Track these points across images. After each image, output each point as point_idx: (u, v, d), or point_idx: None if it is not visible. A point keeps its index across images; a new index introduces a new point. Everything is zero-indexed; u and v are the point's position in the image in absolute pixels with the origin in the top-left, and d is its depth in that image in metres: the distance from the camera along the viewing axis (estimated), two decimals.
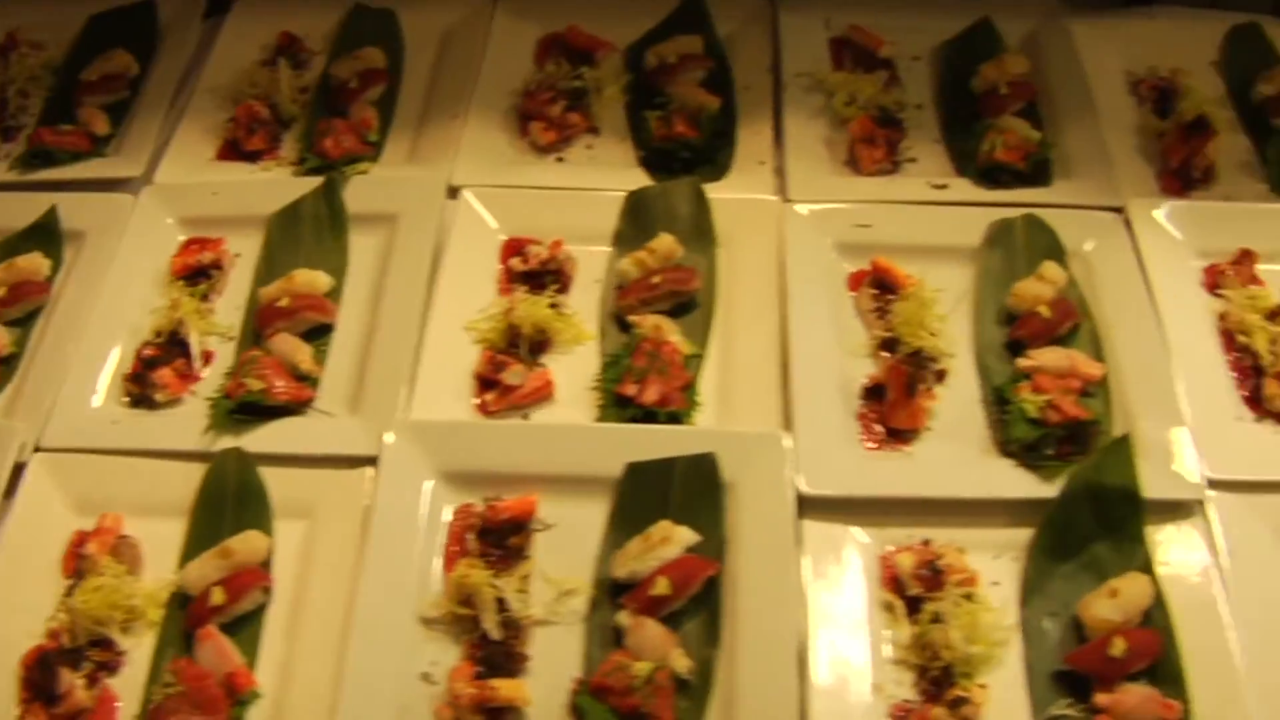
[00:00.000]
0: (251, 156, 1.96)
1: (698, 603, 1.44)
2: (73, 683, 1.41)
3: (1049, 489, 1.52)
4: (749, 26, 2.10)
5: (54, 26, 2.17)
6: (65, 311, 1.75)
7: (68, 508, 1.56)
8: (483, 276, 1.77)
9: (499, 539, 1.50)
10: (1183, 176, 1.86)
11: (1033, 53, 2.04)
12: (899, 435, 1.59)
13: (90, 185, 1.90)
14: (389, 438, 1.55)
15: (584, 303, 1.75)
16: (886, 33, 2.07)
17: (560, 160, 1.94)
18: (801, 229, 1.77)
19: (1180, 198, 1.85)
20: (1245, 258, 1.76)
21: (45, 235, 1.83)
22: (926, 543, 1.50)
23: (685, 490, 1.51)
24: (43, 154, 1.93)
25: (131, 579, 1.50)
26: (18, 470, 1.56)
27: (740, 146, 1.91)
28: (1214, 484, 1.52)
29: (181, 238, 1.86)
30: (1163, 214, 1.79)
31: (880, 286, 1.73)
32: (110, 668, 1.45)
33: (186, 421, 1.62)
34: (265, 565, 1.51)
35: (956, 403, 1.63)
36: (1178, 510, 1.51)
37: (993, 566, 1.49)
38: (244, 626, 1.46)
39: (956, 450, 1.58)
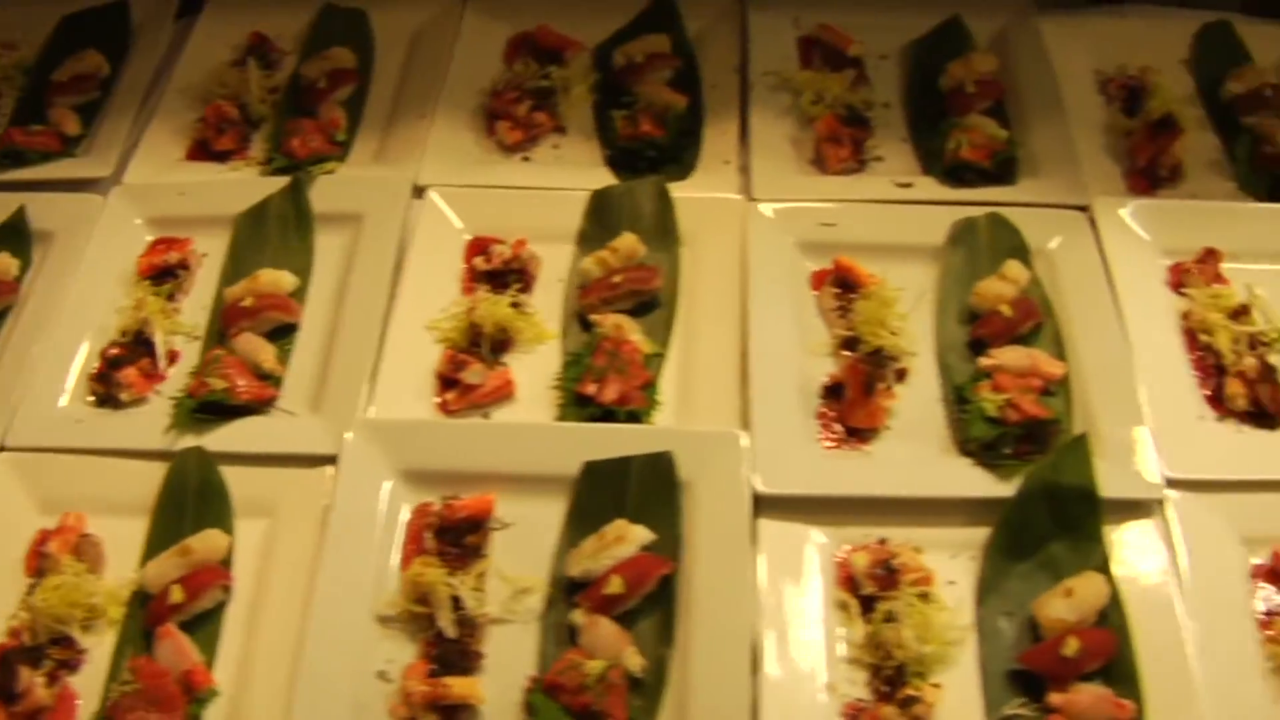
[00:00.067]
0: (221, 157, 1.96)
1: (653, 601, 1.44)
2: (33, 681, 1.41)
3: (1006, 488, 1.52)
4: (718, 25, 2.10)
5: (26, 26, 2.18)
6: (33, 311, 1.76)
7: (31, 507, 1.57)
8: (446, 276, 1.77)
9: (456, 537, 1.51)
10: (1150, 175, 1.86)
11: (1002, 51, 2.03)
12: (858, 434, 1.59)
13: (60, 185, 1.91)
14: (348, 437, 1.55)
15: (547, 302, 1.75)
16: (856, 31, 2.07)
17: (526, 160, 1.94)
18: (764, 228, 1.77)
19: (1147, 196, 1.84)
20: (1209, 256, 1.75)
21: (14, 235, 1.84)
22: (883, 542, 1.50)
23: (642, 489, 1.51)
24: (13, 154, 1.94)
25: (93, 577, 1.51)
26: None
27: (706, 145, 1.91)
28: (1173, 483, 1.52)
29: (149, 238, 1.86)
30: (1128, 212, 1.79)
31: (842, 285, 1.73)
32: (71, 666, 1.45)
33: (150, 421, 1.63)
34: (225, 564, 1.51)
35: (917, 402, 1.63)
36: (1137, 510, 1.51)
37: (949, 566, 1.49)
38: (204, 625, 1.47)
39: (915, 449, 1.58)
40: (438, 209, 1.82)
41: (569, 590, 1.46)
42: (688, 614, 1.43)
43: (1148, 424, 1.56)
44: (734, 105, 1.96)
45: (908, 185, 1.85)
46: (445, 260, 1.79)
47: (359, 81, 2.04)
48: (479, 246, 1.80)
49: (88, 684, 1.43)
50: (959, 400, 1.60)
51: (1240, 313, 1.68)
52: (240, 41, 2.14)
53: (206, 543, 1.51)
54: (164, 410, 1.64)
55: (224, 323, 1.72)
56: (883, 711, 1.35)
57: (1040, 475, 1.51)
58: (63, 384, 1.68)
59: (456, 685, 1.38)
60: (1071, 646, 1.37)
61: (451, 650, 1.42)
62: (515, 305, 1.71)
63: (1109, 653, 1.39)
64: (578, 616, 1.43)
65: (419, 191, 1.85)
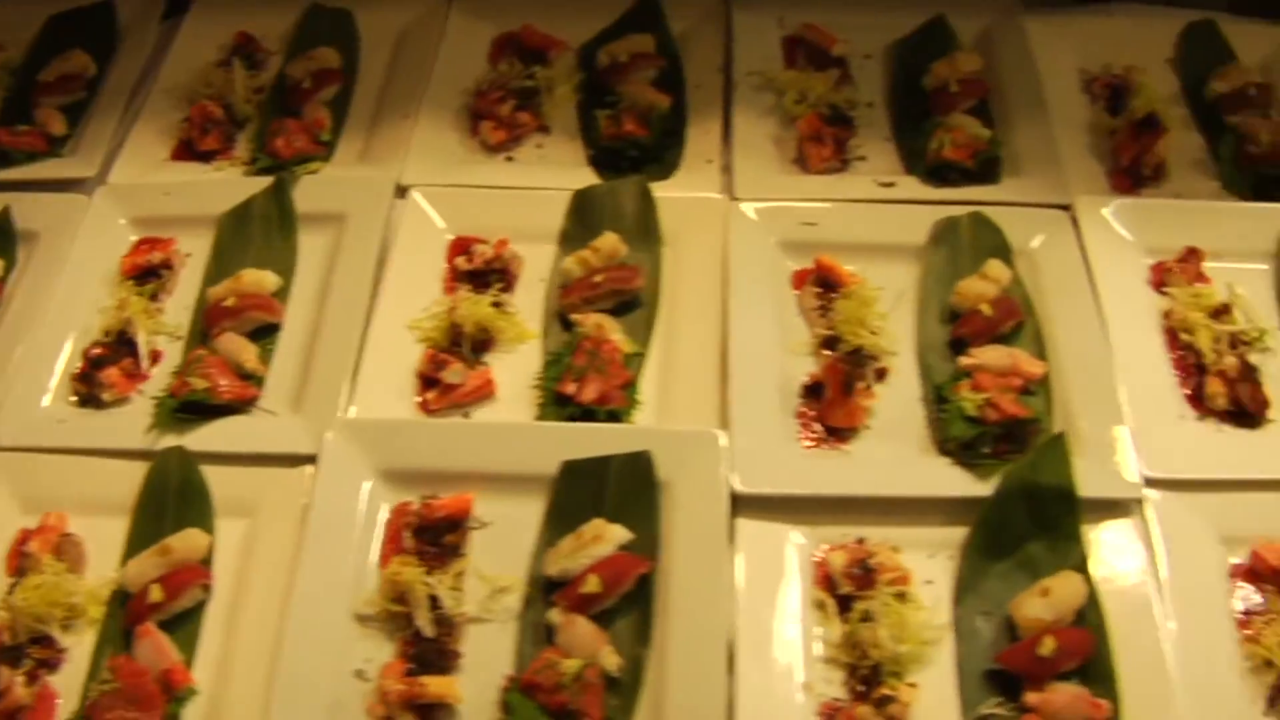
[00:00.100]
0: (205, 157, 1.97)
1: (630, 601, 1.45)
2: (12, 680, 1.42)
3: (985, 488, 1.52)
4: (703, 25, 2.10)
5: (12, 27, 2.18)
6: (17, 311, 1.76)
7: (14, 506, 1.58)
8: (429, 275, 1.77)
9: (435, 537, 1.51)
10: (1133, 174, 1.86)
11: (986, 50, 2.03)
12: (837, 434, 1.59)
13: (46, 186, 1.91)
14: (328, 436, 1.56)
15: (529, 301, 1.76)
16: (841, 31, 2.07)
17: (510, 159, 1.94)
18: (746, 227, 1.77)
19: (1130, 196, 1.84)
20: (1191, 255, 1.75)
21: None
22: (861, 541, 1.50)
23: (620, 488, 1.51)
24: None
25: (73, 577, 1.51)
26: None
27: (689, 145, 1.92)
28: (1152, 483, 1.52)
29: (134, 238, 1.87)
30: (1110, 211, 1.79)
31: (823, 285, 1.72)
32: (50, 665, 1.46)
33: (133, 420, 1.63)
34: (205, 563, 1.52)
35: (897, 401, 1.63)
36: (1116, 509, 1.51)
37: (927, 565, 1.49)
38: (183, 624, 1.47)
39: (894, 449, 1.58)
40: (420, 209, 1.82)
41: (547, 589, 1.46)
42: (665, 613, 1.43)
43: (1127, 423, 1.56)
44: (718, 105, 1.96)
45: (890, 185, 1.84)
46: (427, 260, 1.79)
47: (344, 81, 2.04)
48: (461, 246, 1.80)
49: (67, 683, 1.44)
50: (939, 400, 1.60)
51: (1221, 312, 1.68)
52: (226, 42, 2.15)
53: (186, 542, 1.51)
54: (146, 410, 1.64)
55: (207, 322, 1.72)
56: (858, 711, 1.35)
57: (1018, 475, 1.51)
58: (46, 384, 1.68)
59: (433, 684, 1.38)
60: (1048, 646, 1.37)
61: (429, 649, 1.43)
62: (496, 305, 1.71)
63: (1086, 652, 1.39)
64: (555, 615, 1.43)
65: (402, 191, 1.85)
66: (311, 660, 1.41)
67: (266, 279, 1.75)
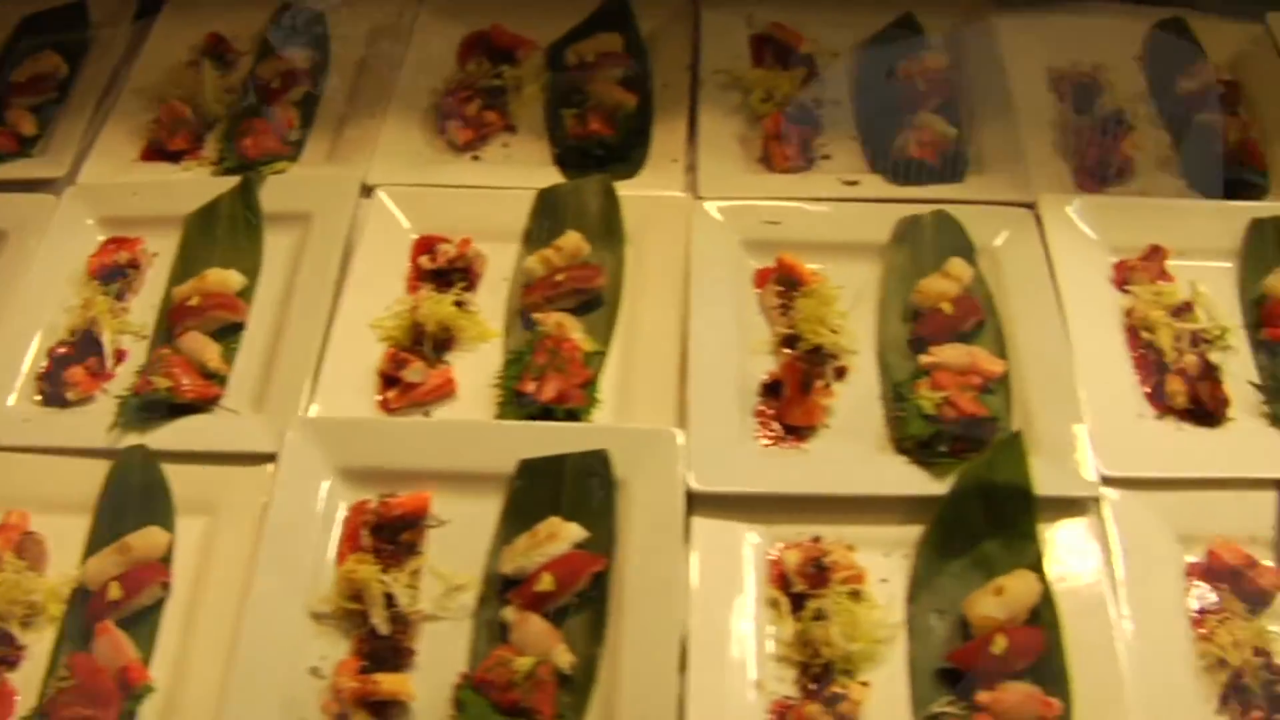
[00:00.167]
0: (174, 157, 1.98)
1: (585, 599, 1.45)
2: None
3: (941, 486, 1.51)
4: (672, 24, 2.10)
5: None
6: None
7: None
8: (393, 274, 1.78)
9: (392, 535, 1.51)
10: (1099, 172, 1.86)
11: (955, 48, 2.02)
12: (795, 432, 1.59)
13: (15, 186, 1.92)
14: (287, 435, 1.56)
15: (492, 300, 1.76)
16: (811, 29, 2.07)
17: (476, 159, 1.95)
18: (709, 226, 1.77)
19: (1096, 194, 1.84)
20: (1154, 253, 1.75)
21: None
22: (817, 539, 1.50)
23: (576, 487, 1.52)
24: None
25: (34, 575, 1.52)
26: None
27: (655, 144, 1.92)
28: (1110, 481, 1.51)
29: (101, 237, 1.87)
30: (1074, 210, 1.79)
31: (785, 283, 1.72)
32: (9, 662, 1.46)
33: (96, 420, 1.64)
34: (165, 561, 1.52)
35: (856, 400, 1.63)
36: (1073, 508, 1.51)
37: (883, 564, 1.49)
38: (142, 621, 1.48)
39: (852, 447, 1.58)
40: (385, 208, 1.83)
41: (502, 587, 1.46)
42: (619, 611, 1.43)
43: (1086, 422, 1.55)
44: (684, 104, 1.97)
45: (854, 183, 1.84)
46: (392, 259, 1.79)
47: (313, 82, 2.05)
48: (426, 245, 1.80)
49: (27, 680, 1.44)
50: (898, 398, 1.60)
51: (1183, 310, 1.68)
52: (198, 42, 2.15)
53: (145, 540, 1.52)
54: (110, 409, 1.65)
55: (171, 322, 1.73)
56: (808, 709, 1.35)
57: (974, 473, 1.51)
58: (11, 383, 1.69)
59: (386, 681, 1.38)
60: (999, 645, 1.37)
61: (384, 647, 1.43)
62: (459, 304, 1.71)
63: (1038, 651, 1.39)
64: (509, 613, 1.43)
65: (368, 190, 1.85)
66: (267, 657, 1.42)
67: (231, 278, 1.76)
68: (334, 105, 2.04)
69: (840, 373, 1.65)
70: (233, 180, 1.88)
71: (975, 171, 1.86)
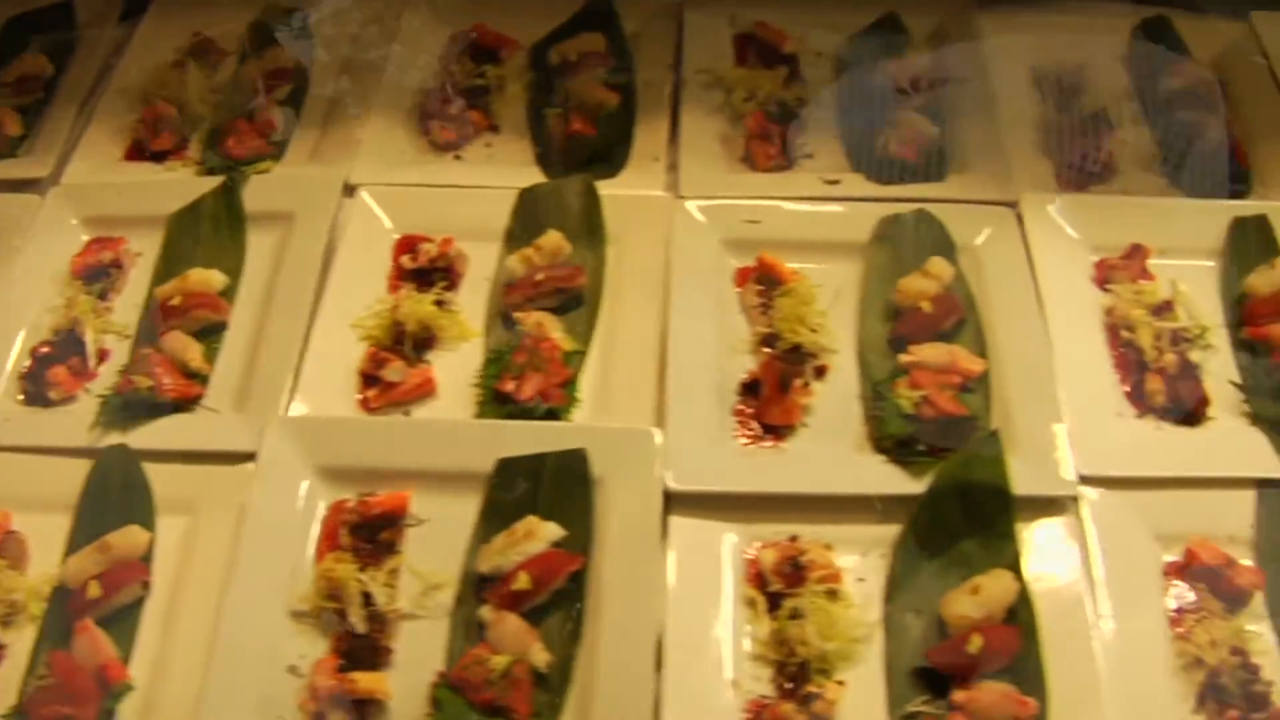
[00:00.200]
0: (158, 157, 1.98)
1: (562, 597, 1.45)
2: None
3: (919, 485, 1.51)
4: (656, 24, 2.10)
5: None
6: None
7: None
8: (375, 274, 1.78)
9: (370, 534, 1.52)
10: (1081, 171, 1.86)
11: (939, 47, 2.03)
12: (774, 431, 1.59)
13: (0, 186, 1.92)
14: (267, 434, 1.56)
15: (474, 300, 1.76)
16: (795, 28, 2.07)
17: (458, 158, 1.95)
18: (690, 225, 1.77)
19: (1078, 192, 1.84)
20: (1135, 252, 1.75)
21: None
22: (794, 539, 1.50)
23: (554, 486, 1.52)
24: None
25: (14, 573, 1.52)
26: None
27: (637, 143, 1.92)
28: (1088, 480, 1.51)
29: (85, 237, 1.88)
30: (1055, 209, 1.78)
31: (765, 282, 1.73)
32: None
33: (78, 419, 1.64)
34: (145, 560, 1.52)
35: (836, 399, 1.63)
36: (1051, 507, 1.50)
37: (861, 563, 1.49)
38: (122, 620, 1.48)
39: (831, 446, 1.58)
40: (367, 208, 1.83)
41: (479, 586, 1.46)
42: (596, 610, 1.43)
43: (1065, 421, 1.55)
44: (667, 103, 1.97)
45: (835, 182, 1.84)
46: (374, 259, 1.80)
47: (297, 81, 2.05)
48: (407, 245, 1.81)
49: (6, 679, 1.45)
50: (877, 397, 1.60)
51: (1163, 309, 1.68)
52: (183, 43, 2.16)
53: (125, 539, 1.52)
54: (92, 408, 1.65)
55: (154, 321, 1.74)
56: (782, 708, 1.35)
57: (951, 472, 1.51)
58: None
59: (363, 680, 1.39)
60: (975, 643, 1.37)
61: (361, 645, 1.43)
62: (440, 303, 1.72)
63: (1014, 650, 1.39)
64: (485, 612, 1.43)
65: (351, 190, 1.85)
66: (245, 656, 1.42)
67: (213, 278, 1.76)
68: (318, 106, 2.04)
69: (820, 372, 1.65)
70: (216, 180, 1.88)
71: (957, 170, 1.87)
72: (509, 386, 1.60)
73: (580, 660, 1.41)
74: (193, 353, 1.69)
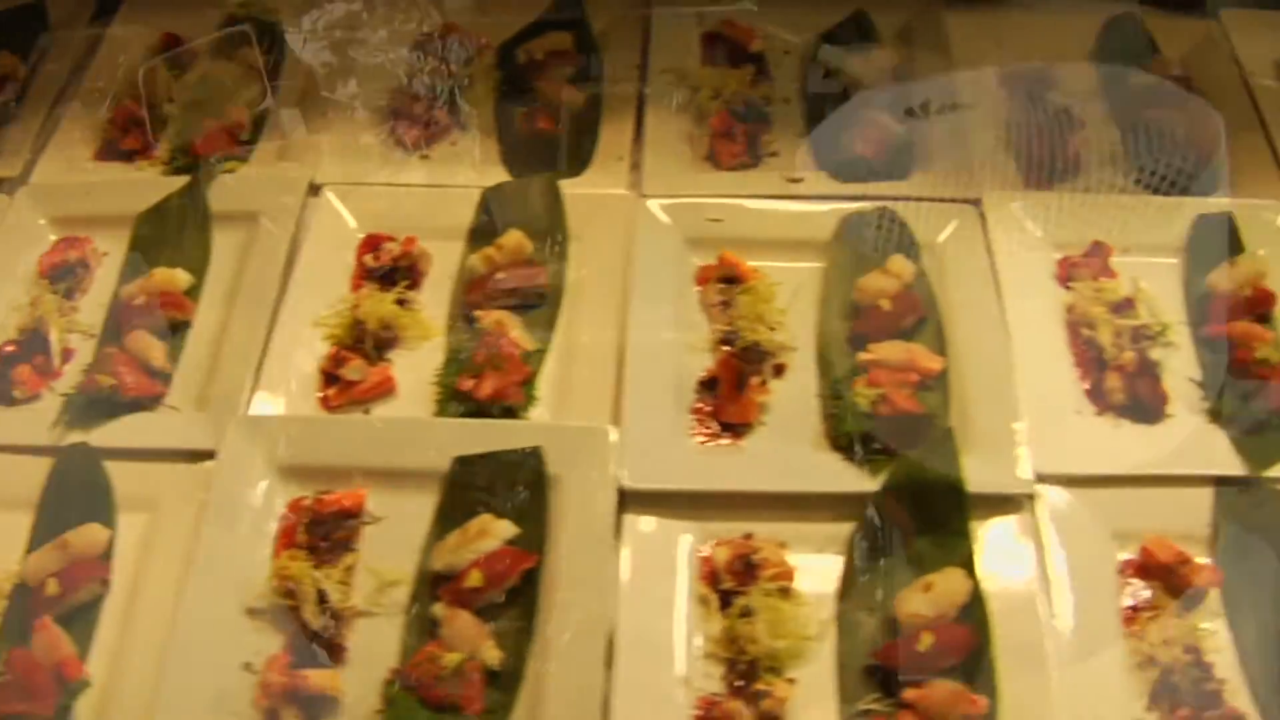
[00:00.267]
0: (128, 157, 1.99)
1: (516, 595, 1.45)
2: None
3: (874, 483, 1.51)
4: (624, 22, 2.10)
5: None
6: None
7: None
8: (338, 273, 1.79)
9: (327, 531, 1.52)
10: (1046, 169, 1.85)
11: (906, 45, 2.02)
12: (731, 429, 1.59)
13: None
14: (226, 432, 1.57)
15: (437, 299, 1.77)
16: (764, 26, 2.06)
17: (425, 157, 1.95)
18: (652, 223, 1.77)
19: (1043, 190, 1.83)
20: (1097, 250, 1.74)
21: None
22: (749, 537, 1.50)
23: (510, 484, 1.52)
24: None
25: None
26: None
27: (602, 142, 1.92)
28: (1045, 478, 1.51)
29: (53, 237, 1.89)
30: (1018, 206, 1.78)
31: (726, 280, 1.73)
32: None
33: (41, 417, 1.65)
34: (105, 558, 1.53)
35: (794, 397, 1.63)
36: (1008, 505, 1.50)
37: (815, 561, 1.49)
38: (81, 618, 1.49)
39: (788, 445, 1.58)
40: (332, 207, 1.84)
41: (433, 584, 1.47)
42: (549, 608, 1.43)
43: (1023, 419, 1.55)
44: (633, 102, 1.97)
45: (798, 180, 1.84)
46: (337, 258, 1.80)
47: (266, 82, 2.05)
48: (371, 244, 1.81)
49: None
50: (835, 395, 1.60)
51: (1124, 306, 1.67)
52: (153, 43, 2.16)
53: (84, 537, 1.53)
54: (55, 407, 1.66)
55: (118, 320, 1.74)
56: (731, 706, 1.35)
57: (905, 470, 1.51)
58: None
59: (314, 677, 1.39)
60: (925, 642, 1.37)
61: (314, 642, 1.44)
62: (402, 302, 1.72)
63: (965, 648, 1.39)
64: (438, 610, 1.44)
65: (316, 190, 1.86)
66: (201, 652, 1.42)
67: (178, 277, 1.77)
68: (286, 105, 2.04)
69: (779, 370, 1.65)
70: (183, 180, 1.89)
71: (922, 168, 1.86)
72: (467, 385, 1.60)
73: (532, 658, 1.41)
74: (155, 352, 1.69)
